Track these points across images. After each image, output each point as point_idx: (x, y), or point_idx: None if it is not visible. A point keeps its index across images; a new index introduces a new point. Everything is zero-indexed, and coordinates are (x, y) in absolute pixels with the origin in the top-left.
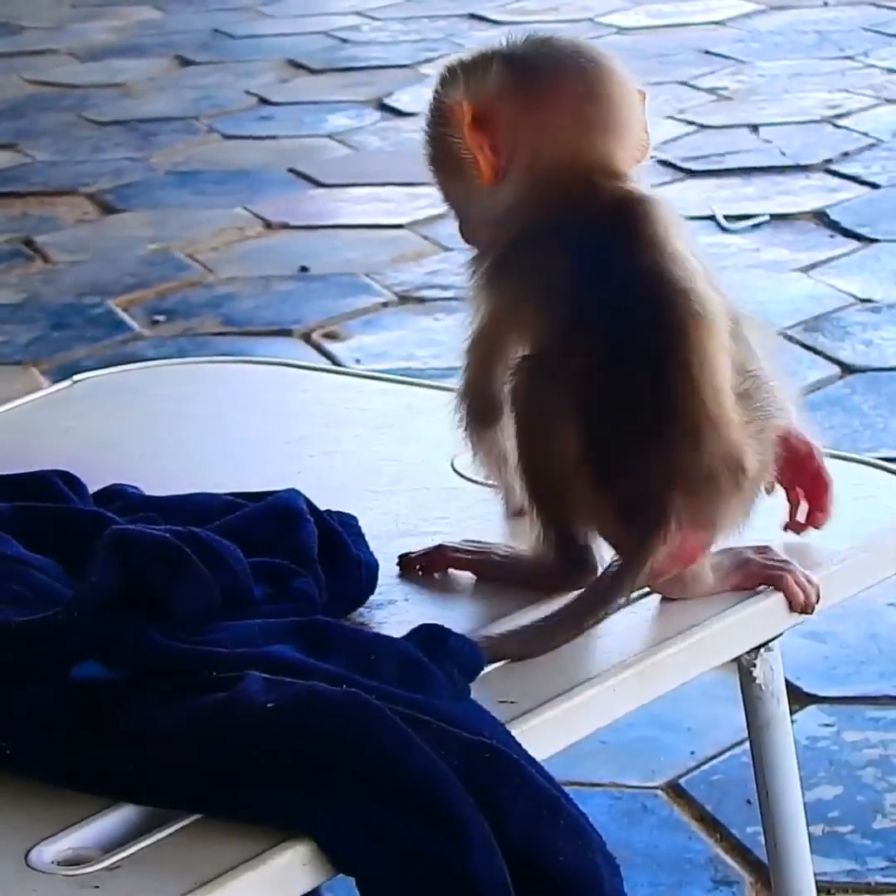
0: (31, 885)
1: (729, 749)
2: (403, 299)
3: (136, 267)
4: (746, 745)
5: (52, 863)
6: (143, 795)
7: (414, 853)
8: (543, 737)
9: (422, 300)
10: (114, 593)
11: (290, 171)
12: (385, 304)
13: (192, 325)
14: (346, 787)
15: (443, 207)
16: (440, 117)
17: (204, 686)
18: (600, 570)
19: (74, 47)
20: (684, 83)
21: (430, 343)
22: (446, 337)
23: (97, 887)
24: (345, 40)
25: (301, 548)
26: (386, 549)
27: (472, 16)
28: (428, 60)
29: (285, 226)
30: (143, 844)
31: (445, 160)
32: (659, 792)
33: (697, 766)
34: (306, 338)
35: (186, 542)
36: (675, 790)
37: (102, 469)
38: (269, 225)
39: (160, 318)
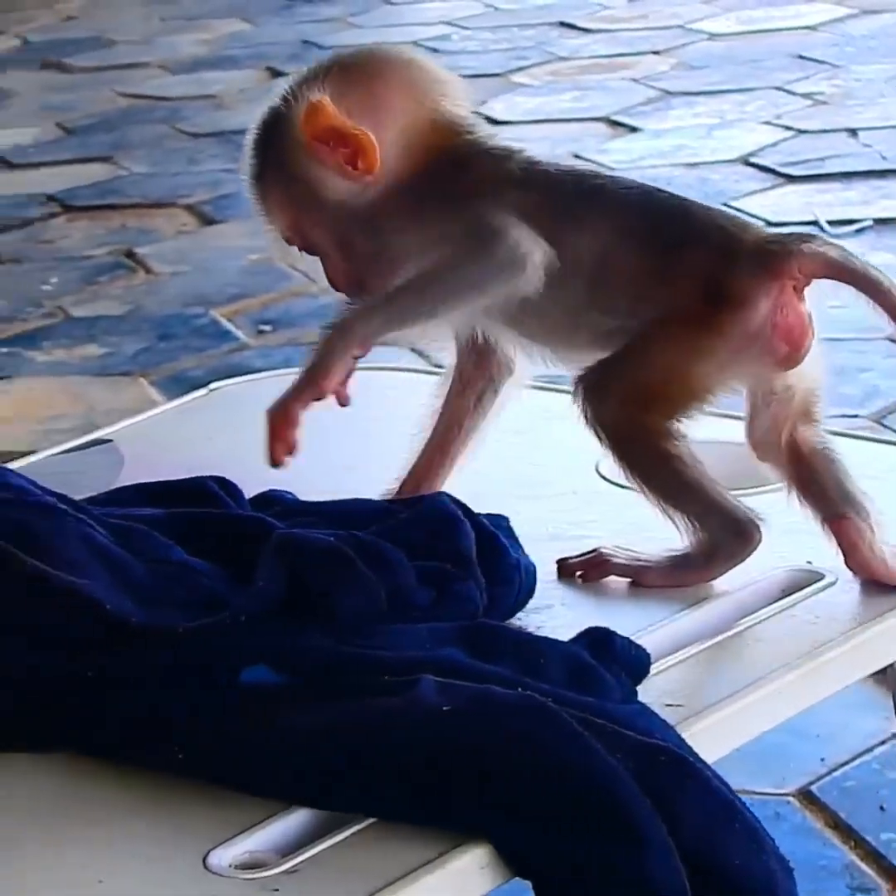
0: (212, 888)
1: (860, 755)
2: None
3: (239, 277)
4: (877, 751)
5: (231, 866)
6: (319, 799)
7: (592, 856)
8: (710, 740)
9: None
10: (281, 597)
11: None
12: None
13: (297, 335)
14: (524, 790)
15: None
16: (292, 146)
17: (377, 690)
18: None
19: (165, 60)
20: (779, 88)
21: None
22: None
23: (276, 891)
24: (435, 50)
25: (460, 552)
26: (538, 554)
27: (563, 24)
28: (520, 69)
29: None
30: (319, 848)
31: (310, 185)
32: (791, 799)
33: (828, 773)
34: (412, 346)
35: (351, 546)
36: (807, 797)
37: (247, 475)
38: None
39: (266, 327)
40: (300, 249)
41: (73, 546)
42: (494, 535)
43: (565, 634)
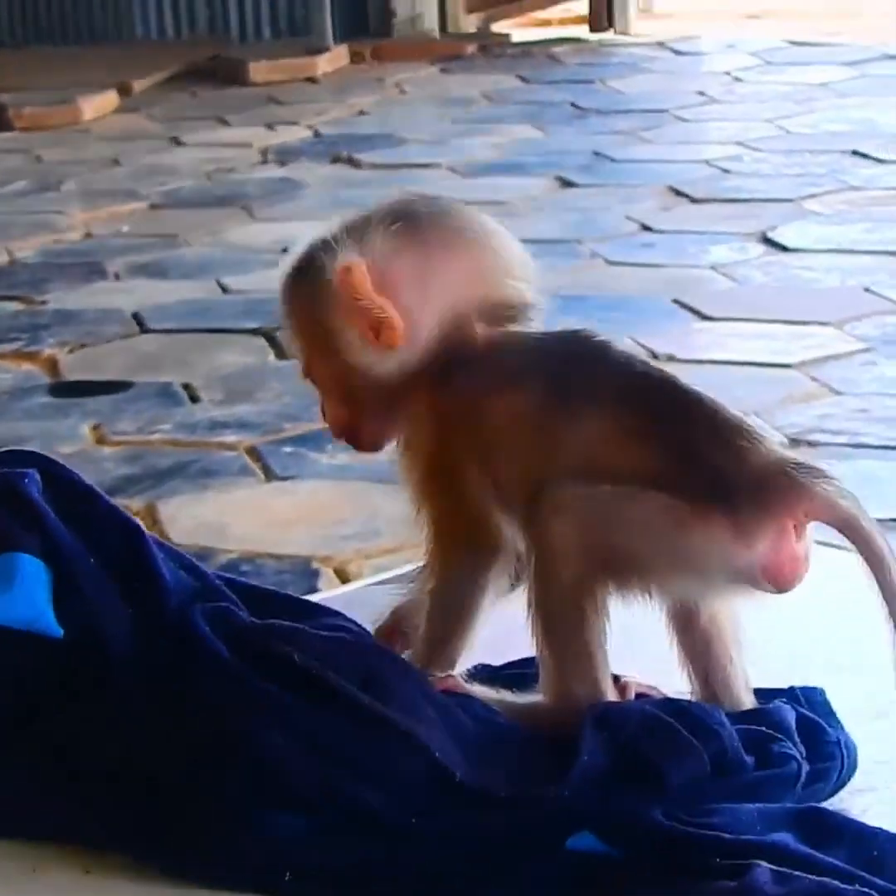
0: None
1: None
2: (794, 442)
3: None
4: None
5: None
6: None
7: None
8: None
9: (813, 444)
10: (606, 770)
11: (675, 301)
12: None
13: None
14: None
15: (831, 348)
16: (323, 291)
17: (710, 872)
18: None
19: (455, 162)
20: None
21: None
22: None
23: None
24: (726, 171)
25: (780, 722)
26: (860, 732)
27: (856, 153)
28: (812, 196)
29: (672, 358)
30: None
31: (329, 335)
32: None
33: None
34: None
35: (669, 712)
36: None
37: None
38: (655, 356)
39: None
40: (306, 377)
41: (412, 692)
42: (808, 715)
43: (891, 820)
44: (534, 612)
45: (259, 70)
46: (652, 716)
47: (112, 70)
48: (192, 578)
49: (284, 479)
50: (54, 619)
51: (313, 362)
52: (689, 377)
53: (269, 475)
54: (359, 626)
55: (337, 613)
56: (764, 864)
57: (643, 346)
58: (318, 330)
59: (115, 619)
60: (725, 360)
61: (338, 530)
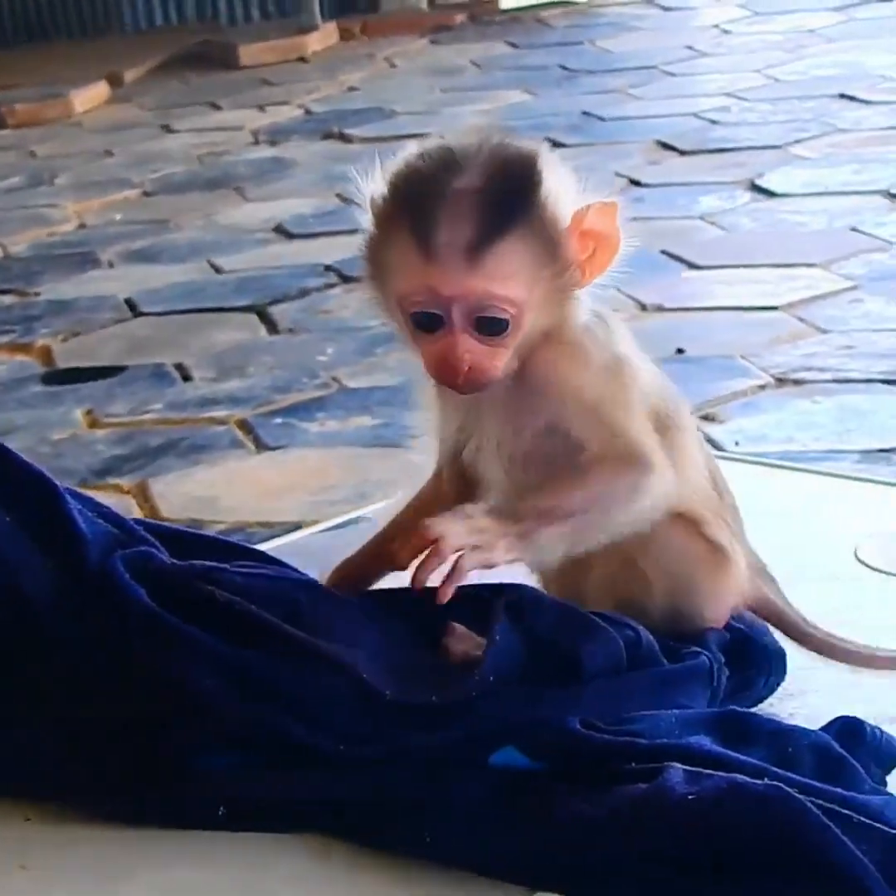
0: None
1: None
2: (781, 381)
3: None
4: None
5: None
6: (567, 886)
7: None
8: None
9: (799, 382)
10: (520, 654)
11: (663, 252)
12: (763, 387)
13: None
14: (769, 881)
15: (818, 288)
16: (554, 219)
17: (625, 777)
18: None
19: (446, 131)
20: None
21: (809, 426)
22: (826, 420)
23: None
24: (714, 122)
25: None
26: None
27: (843, 96)
28: (799, 141)
29: (660, 308)
30: None
31: (550, 268)
32: None
33: None
34: None
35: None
36: None
37: None
38: (643, 307)
39: None
40: (468, 327)
41: (336, 620)
42: (740, 628)
43: (816, 722)
44: None
45: (249, 52)
46: (567, 606)
47: (102, 62)
48: (111, 526)
49: (275, 449)
50: None
51: (526, 303)
52: (676, 326)
53: (260, 446)
54: (281, 563)
55: (258, 552)
56: (677, 765)
57: (632, 298)
58: (546, 267)
59: (36, 575)
60: (713, 306)
61: (328, 496)
